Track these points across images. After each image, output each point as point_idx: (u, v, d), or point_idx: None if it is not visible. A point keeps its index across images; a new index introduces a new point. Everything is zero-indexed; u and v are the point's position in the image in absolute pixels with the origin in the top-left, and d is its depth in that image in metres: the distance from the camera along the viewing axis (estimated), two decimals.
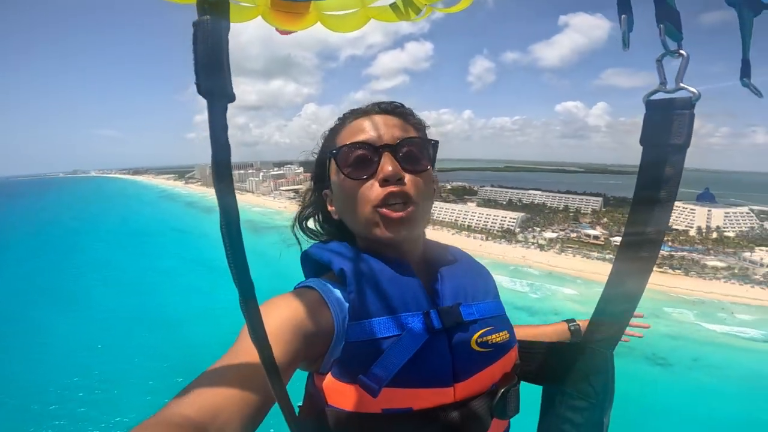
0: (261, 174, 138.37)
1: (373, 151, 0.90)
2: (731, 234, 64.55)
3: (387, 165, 0.88)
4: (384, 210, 0.88)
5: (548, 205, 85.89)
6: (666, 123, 0.82)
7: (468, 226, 75.90)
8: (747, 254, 56.91)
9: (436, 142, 0.99)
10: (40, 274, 53.16)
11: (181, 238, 74.12)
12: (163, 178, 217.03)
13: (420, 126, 1.03)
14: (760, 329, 38.72)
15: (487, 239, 70.57)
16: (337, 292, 0.88)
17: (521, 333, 1.20)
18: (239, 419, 0.61)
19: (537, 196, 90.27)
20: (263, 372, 0.61)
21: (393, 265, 0.91)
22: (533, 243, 67.85)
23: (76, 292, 45.61)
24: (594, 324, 0.98)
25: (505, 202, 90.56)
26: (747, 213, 70.13)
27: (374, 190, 0.89)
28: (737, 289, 49.60)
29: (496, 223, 74.36)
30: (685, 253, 58.75)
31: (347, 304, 0.85)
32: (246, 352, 0.68)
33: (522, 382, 1.03)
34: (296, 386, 0.80)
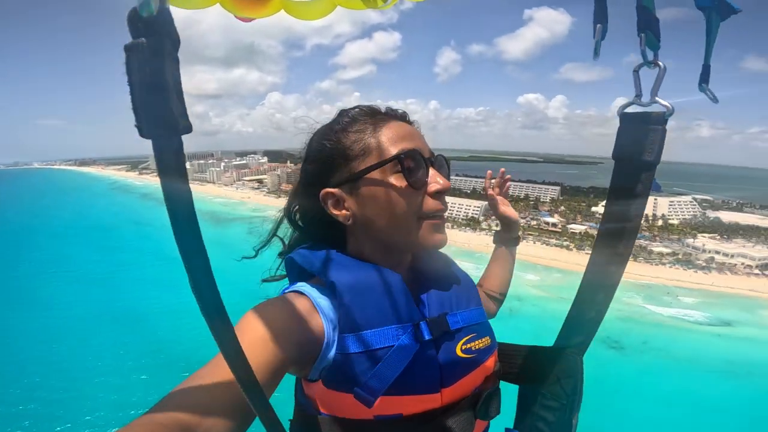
0: (222, 164, 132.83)
1: (423, 161, 0.90)
2: (675, 221, 69.18)
3: (440, 177, 0.91)
4: (431, 221, 0.91)
5: (510, 193, 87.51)
6: (639, 138, 0.81)
7: None
8: (690, 240, 61.18)
9: (449, 161, 1.03)
10: None
11: (140, 230, 70.79)
12: (114, 169, 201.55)
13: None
14: (701, 312, 41.77)
15: (452, 227, 71.37)
16: (328, 301, 0.88)
17: (489, 283, 1.41)
18: (227, 421, 0.62)
19: None
20: (252, 374, 0.62)
21: (384, 276, 0.91)
22: (496, 229, 69.29)
23: (35, 290, 43.33)
24: (566, 330, 1.04)
25: (469, 191, 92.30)
26: (690, 202, 75.30)
27: (427, 201, 0.90)
28: (681, 274, 53.33)
29: (461, 211, 75.51)
30: None
31: (337, 315, 0.86)
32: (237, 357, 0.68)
33: (501, 382, 1.09)
34: (286, 393, 0.84)
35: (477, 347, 0.95)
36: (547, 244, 63.59)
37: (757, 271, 52.94)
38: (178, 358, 29.93)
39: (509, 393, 1.13)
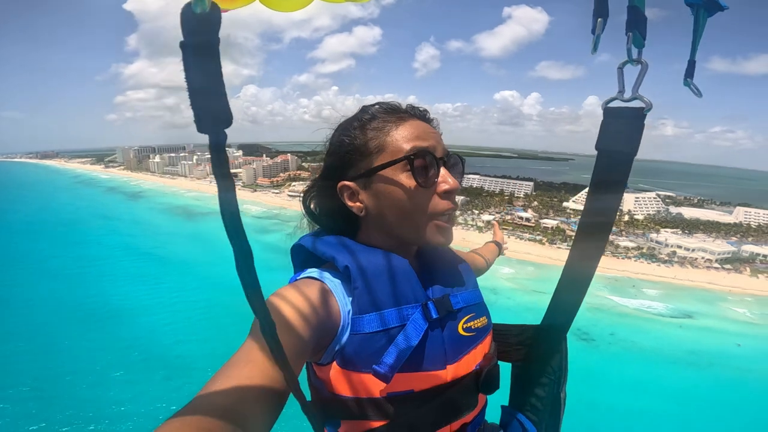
0: (195, 157, 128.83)
1: (435, 161, 0.92)
2: (640, 217, 72.07)
3: (450, 177, 0.93)
4: (439, 222, 0.94)
5: (485, 188, 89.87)
6: (619, 131, 0.88)
7: None
8: (654, 235, 63.96)
9: (464, 159, 1.05)
10: None
11: (108, 225, 68.79)
12: (78, 162, 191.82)
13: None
14: (664, 304, 43.87)
15: None
16: (341, 285, 0.92)
17: (474, 260, 1.55)
18: (264, 403, 0.64)
19: (476, 180, 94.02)
20: (282, 352, 0.65)
21: (392, 260, 0.96)
22: (472, 225, 70.58)
23: (3, 288, 40.91)
24: (551, 311, 1.14)
25: None
26: (654, 198, 78.60)
27: (435, 201, 0.93)
28: (645, 267, 55.64)
29: None
30: None
31: (350, 297, 0.90)
32: (260, 344, 0.71)
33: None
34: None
35: (476, 326, 1.02)
36: (521, 238, 65.08)
37: (716, 264, 55.84)
38: (153, 354, 29.25)
39: (502, 372, 1.18)
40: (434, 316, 0.92)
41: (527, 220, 71.19)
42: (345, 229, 1.04)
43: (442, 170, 0.93)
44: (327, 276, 0.93)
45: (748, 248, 58.40)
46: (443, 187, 0.92)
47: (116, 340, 31.05)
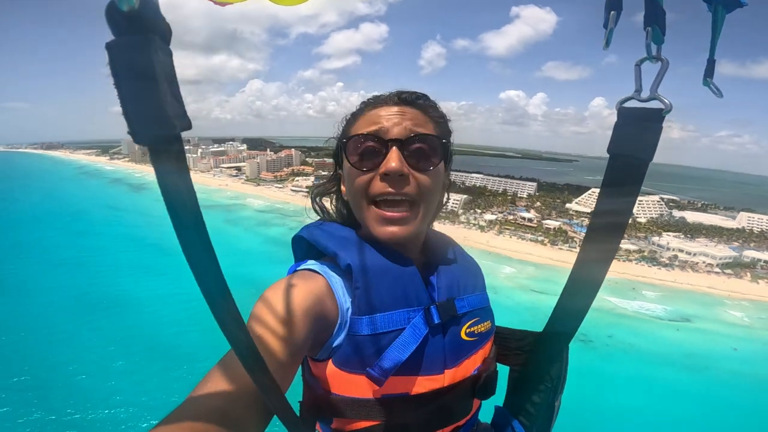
0: (200, 150, 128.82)
1: (381, 143, 0.89)
2: (643, 220, 71.69)
3: (391, 160, 0.87)
4: (380, 210, 0.89)
5: (489, 188, 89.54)
6: (635, 135, 0.80)
7: (437, 214, 76.24)
8: (656, 239, 63.63)
9: (449, 140, 1.00)
10: None
11: (114, 215, 68.93)
12: (83, 153, 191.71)
13: (441, 120, 1.01)
14: (664, 307, 43.67)
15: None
16: (341, 281, 0.90)
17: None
18: (253, 412, 0.63)
19: (479, 179, 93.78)
20: (279, 359, 0.65)
21: (396, 259, 0.93)
22: (474, 224, 70.42)
23: (3, 275, 41.29)
24: (555, 318, 1.07)
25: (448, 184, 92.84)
26: (657, 201, 78.21)
27: (374, 183, 0.89)
28: (646, 271, 55.35)
29: None
30: None
31: (350, 297, 0.88)
32: (256, 339, 0.69)
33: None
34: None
35: (479, 331, 0.99)
36: (522, 239, 64.90)
37: (717, 269, 55.48)
38: (154, 344, 29.43)
39: (500, 373, 1.17)
40: (436, 321, 0.89)
41: (529, 220, 70.96)
42: (349, 218, 1.05)
43: (392, 153, 0.87)
44: (327, 270, 0.90)
45: (750, 254, 58.04)
46: (381, 169, 0.87)
47: (118, 329, 31.30)
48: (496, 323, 1.14)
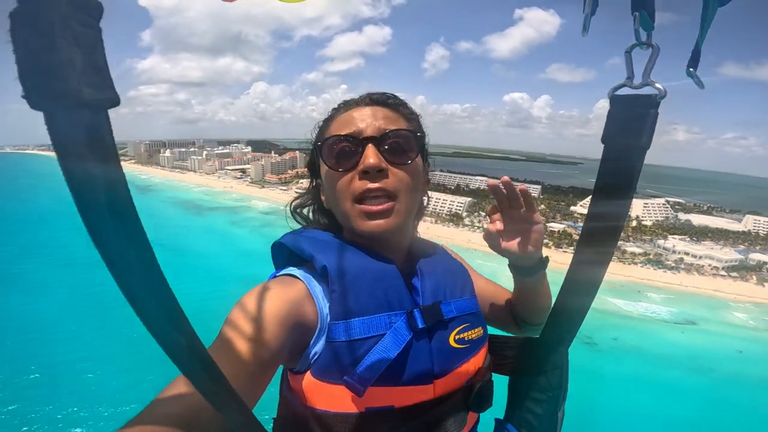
0: (204, 153, 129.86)
1: (357, 143, 0.88)
2: (648, 223, 71.49)
3: (368, 157, 0.86)
4: (363, 206, 0.87)
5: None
6: (629, 121, 0.78)
7: (420, 212, 76.34)
8: (661, 242, 63.44)
9: (423, 134, 0.97)
10: None
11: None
12: None
13: (412, 117, 1.01)
14: (669, 310, 43.52)
15: (436, 222, 72.12)
16: (320, 286, 0.87)
17: (525, 313, 1.16)
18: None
19: (483, 182, 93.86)
20: (248, 368, 0.62)
21: (377, 261, 0.90)
22: (479, 227, 70.48)
23: (18, 273, 42.24)
24: (551, 322, 1.01)
25: (453, 187, 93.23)
26: (663, 204, 78.03)
27: (355, 182, 0.88)
28: (652, 274, 55.19)
29: (444, 207, 76.23)
30: None
31: (328, 302, 0.84)
32: (228, 348, 0.67)
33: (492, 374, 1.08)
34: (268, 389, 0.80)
35: (470, 337, 0.93)
36: None
37: (722, 272, 55.26)
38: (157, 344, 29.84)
39: (499, 384, 1.15)
40: (420, 325, 0.84)
41: None
42: (331, 226, 1.03)
43: (367, 150, 0.87)
44: (307, 277, 0.87)
45: (756, 257, 57.75)
46: (359, 167, 0.87)
47: (123, 327, 31.74)
48: (492, 333, 1.11)
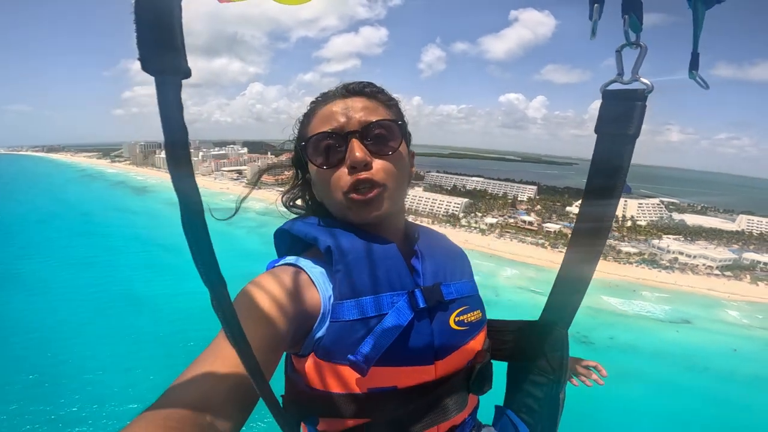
0: (201, 154, 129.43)
1: (340, 139, 0.89)
2: (643, 223, 72.00)
3: (354, 152, 0.87)
4: (353, 195, 0.88)
5: (489, 191, 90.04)
6: (620, 113, 0.84)
7: (415, 210, 77.04)
8: (656, 241, 63.94)
9: (404, 121, 0.98)
10: None
11: (121, 217, 70.37)
12: (84, 156, 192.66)
13: (391, 103, 1.00)
14: (664, 309, 43.94)
15: (432, 223, 72.33)
16: (322, 270, 0.88)
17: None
18: (233, 402, 0.62)
19: (479, 183, 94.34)
20: (255, 354, 0.62)
21: (378, 243, 0.91)
22: (475, 227, 70.82)
23: (18, 273, 42.26)
24: (550, 304, 1.04)
25: (449, 188, 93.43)
26: (657, 204, 78.65)
27: (343, 177, 0.89)
28: (646, 273, 55.63)
29: (441, 207, 76.48)
30: None
31: (332, 284, 0.85)
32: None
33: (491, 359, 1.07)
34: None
35: (469, 320, 0.95)
36: (523, 242, 65.27)
37: (716, 271, 55.75)
38: (166, 342, 29.82)
39: (498, 371, 1.16)
40: (422, 305, 0.86)
41: (530, 223, 71.31)
42: (329, 215, 1.04)
43: (352, 144, 0.88)
44: (307, 263, 0.89)
45: (749, 256, 58.36)
46: (346, 162, 0.88)
47: (123, 327, 31.82)
48: (490, 317, 1.13)
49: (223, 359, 0.63)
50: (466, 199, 79.04)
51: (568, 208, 77.75)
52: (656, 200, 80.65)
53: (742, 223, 73.01)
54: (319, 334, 0.82)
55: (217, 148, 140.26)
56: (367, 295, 0.83)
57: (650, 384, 29.19)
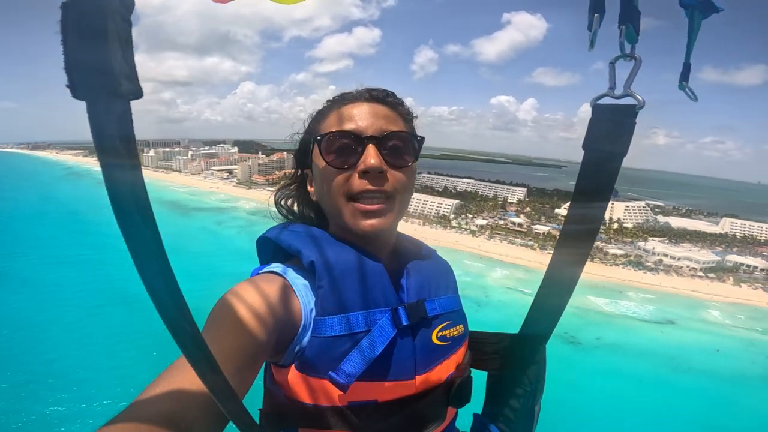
0: (190, 153, 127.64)
1: (358, 141, 0.88)
2: (629, 225, 73.07)
3: (370, 157, 0.86)
4: (358, 204, 0.87)
5: (479, 193, 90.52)
6: (609, 130, 0.82)
7: (406, 211, 76.72)
8: (641, 243, 64.97)
9: (422, 138, 0.97)
10: None
11: (111, 215, 68.91)
12: (70, 154, 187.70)
13: (409, 117, 1.01)
14: (648, 310, 44.65)
15: (423, 224, 72.52)
16: (305, 283, 0.87)
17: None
18: (210, 411, 0.59)
19: (470, 185, 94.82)
20: (234, 363, 0.62)
21: (364, 257, 0.90)
22: (466, 229, 71.16)
23: (8, 271, 41.38)
24: (530, 319, 1.04)
25: (440, 189, 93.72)
26: (643, 207, 79.92)
27: (353, 181, 0.87)
28: (632, 275, 56.38)
29: (432, 208, 76.71)
30: None
31: (314, 297, 0.85)
32: (213, 342, 0.64)
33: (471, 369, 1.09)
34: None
35: (452, 335, 0.95)
36: (512, 243, 65.76)
37: (700, 273, 56.77)
38: (160, 339, 29.58)
39: (478, 380, 1.18)
40: (404, 322, 0.85)
41: (519, 225, 71.93)
42: (317, 219, 1.06)
43: (368, 150, 0.87)
44: (290, 272, 0.88)
45: (733, 258, 59.60)
46: (360, 166, 0.87)
47: (112, 324, 31.51)
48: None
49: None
50: (457, 201, 79.29)
51: (557, 210, 78.60)
52: (642, 203, 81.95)
53: (726, 226, 74.60)
54: (300, 346, 0.81)
55: (207, 147, 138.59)
56: (350, 312, 0.82)
57: (636, 382, 29.69)
